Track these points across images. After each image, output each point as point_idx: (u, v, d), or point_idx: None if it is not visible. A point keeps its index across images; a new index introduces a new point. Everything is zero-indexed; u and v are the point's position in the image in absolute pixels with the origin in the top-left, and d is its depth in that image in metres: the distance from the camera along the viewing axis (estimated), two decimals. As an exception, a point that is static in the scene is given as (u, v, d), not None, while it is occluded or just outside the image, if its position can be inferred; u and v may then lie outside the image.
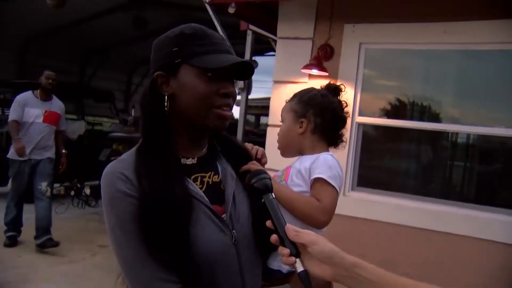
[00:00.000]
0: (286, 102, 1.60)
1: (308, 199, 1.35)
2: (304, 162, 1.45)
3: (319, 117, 1.50)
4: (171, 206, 0.96)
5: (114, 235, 0.99)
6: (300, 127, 1.51)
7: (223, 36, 1.10)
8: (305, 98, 1.53)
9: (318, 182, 1.37)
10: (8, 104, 9.18)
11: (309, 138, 1.51)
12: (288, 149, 1.55)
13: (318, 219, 1.31)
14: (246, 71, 1.10)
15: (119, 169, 1.00)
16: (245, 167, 1.17)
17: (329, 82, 1.65)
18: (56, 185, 7.63)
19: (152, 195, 0.96)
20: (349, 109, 1.60)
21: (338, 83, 1.62)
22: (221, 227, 1.03)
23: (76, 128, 8.31)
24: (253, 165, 1.17)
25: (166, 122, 1.04)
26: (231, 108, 1.07)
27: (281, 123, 1.60)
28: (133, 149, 1.07)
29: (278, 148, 1.57)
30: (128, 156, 1.05)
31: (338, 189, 1.40)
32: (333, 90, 1.57)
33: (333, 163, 1.42)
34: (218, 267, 1.00)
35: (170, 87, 1.04)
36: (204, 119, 1.04)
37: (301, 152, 1.52)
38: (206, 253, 0.98)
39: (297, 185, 1.40)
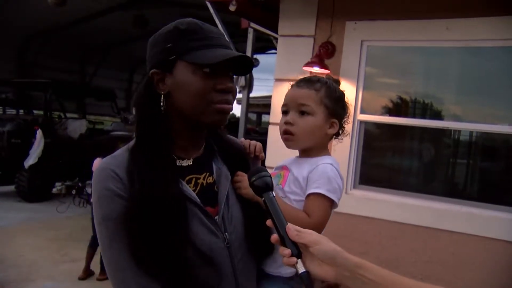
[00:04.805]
0: (303, 87, 1.30)
1: (297, 214, 1.23)
2: (302, 170, 1.30)
3: (342, 120, 1.35)
4: (161, 210, 0.93)
5: (100, 232, 0.97)
6: (330, 128, 1.32)
7: (221, 30, 1.06)
8: (335, 95, 1.32)
9: (312, 195, 1.25)
10: (8, 103, 9.20)
11: (328, 139, 1.35)
12: (304, 144, 1.34)
13: None
14: (245, 66, 1.06)
15: (111, 166, 0.98)
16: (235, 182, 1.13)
17: (330, 75, 1.46)
18: (57, 184, 7.67)
19: (142, 198, 0.94)
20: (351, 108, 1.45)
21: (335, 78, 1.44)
22: (212, 229, 1.01)
23: (78, 127, 8.32)
24: (237, 177, 1.13)
25: (162, 122, 1.01)
26: (230, 104, 1.03)
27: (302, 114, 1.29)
28: (127, 146, 1.04)
29: (288, 139, 1.31)
30: (121, 153, 1.02)
31: (337, 202, 1.27)
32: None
33: (332, 174, 1.26)
34: (210, 270, 0.98)
35: (166, 85, 1.01)
36: (202, 116, 1.00)
37: (309, 150, 1.34)
38: (198, 255, 0.96)
39: (294, 193, 1.29)
